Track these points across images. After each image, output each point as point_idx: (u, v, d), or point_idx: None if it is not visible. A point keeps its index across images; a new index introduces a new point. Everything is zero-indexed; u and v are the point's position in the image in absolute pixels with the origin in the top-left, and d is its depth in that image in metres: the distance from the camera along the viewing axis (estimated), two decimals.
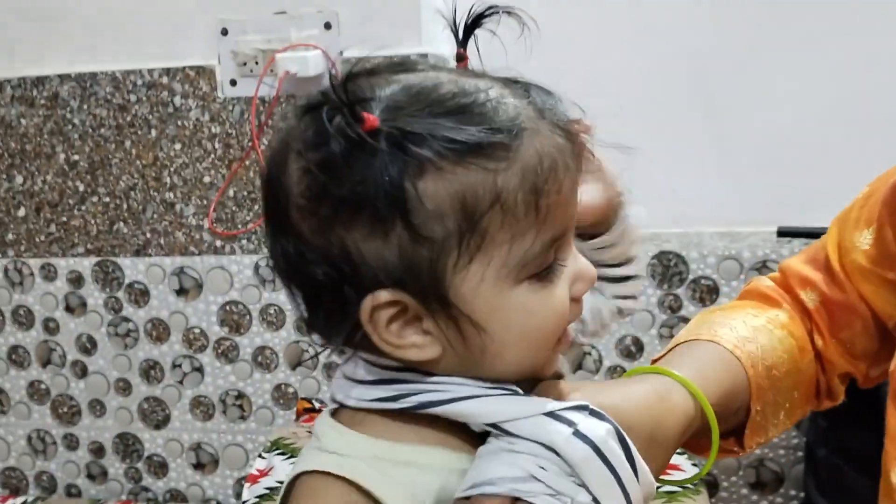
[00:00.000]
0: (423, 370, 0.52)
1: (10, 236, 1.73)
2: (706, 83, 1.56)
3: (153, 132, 1.62)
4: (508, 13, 0.56)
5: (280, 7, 1.54)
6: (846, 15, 1.46)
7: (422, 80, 0.51)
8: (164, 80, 1.60)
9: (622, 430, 0.53)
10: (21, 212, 1.72)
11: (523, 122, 0.50)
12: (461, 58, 0.57)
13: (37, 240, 1.72)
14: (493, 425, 0.51)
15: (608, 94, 1.55)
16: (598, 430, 0.51)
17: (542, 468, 0.50)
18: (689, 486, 1.22)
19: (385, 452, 0.52)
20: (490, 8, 0.56)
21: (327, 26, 1.52)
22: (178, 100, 1.60)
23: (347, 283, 0.50)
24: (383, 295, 0.50)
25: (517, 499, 0.49)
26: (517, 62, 0.56)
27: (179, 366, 1.72)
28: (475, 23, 0.56)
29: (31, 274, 1.74)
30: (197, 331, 1.69)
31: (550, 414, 0.51)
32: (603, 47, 1.57)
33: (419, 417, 0.52)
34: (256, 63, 1.54)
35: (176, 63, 1.60)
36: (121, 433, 1.78)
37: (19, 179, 1.70)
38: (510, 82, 0.54)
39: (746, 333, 0.77)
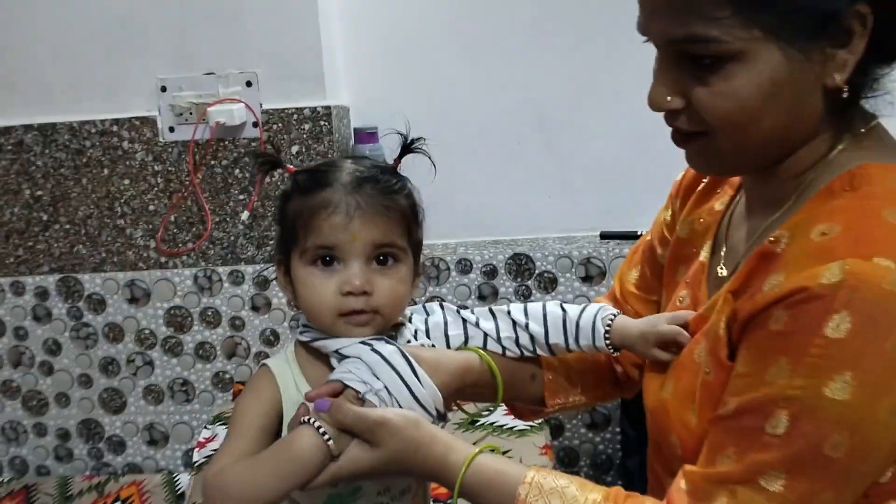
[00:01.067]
0: None
1: None
2: (547, 122, 1.98)
3: (105, 171, 1.93)
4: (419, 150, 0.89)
5: (209, 69, 1.85)
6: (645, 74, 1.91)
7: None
8: (114, 128, 1.90)
9: (406, 352, 0.83)
10: None
11: (331, 183, 0.85)
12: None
13: (7, 262, 2.00)
14: (336, 352, 0.86)
15: (475, 132, 1.98)
16: (388, 348, 0.83)
17: (357, 369, 0.83)
18: (488, 410, 1.28)
19: (290, 357, 0.89)
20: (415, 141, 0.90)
21: (248, 84, 1.85)
22: (126, 144, 1.91)
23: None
24: (279, 256, 0.89)
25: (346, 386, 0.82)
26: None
27: (133, 361, 2.03)
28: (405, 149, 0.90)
29: (3, 290, 2.01)
30: (147, 331, 2.01)
31: (363, 342, 0.84)
32: (472, 98, 1.97)
33: (310, 347, 0.88)
34: (191, 113, 1.87)
35: (124, 114, 1.90)
36: (84, 419, 2.07)
37: None
38: (362, 162, 0.89)
39: None
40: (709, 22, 0.70)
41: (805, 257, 0.70)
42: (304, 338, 0.89)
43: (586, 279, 1.92)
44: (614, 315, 0.94)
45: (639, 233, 1.89)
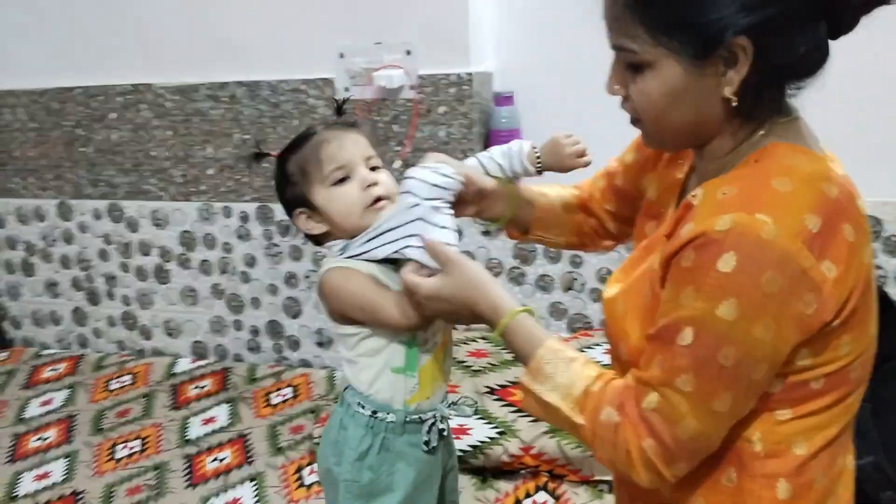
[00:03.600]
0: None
1: (203, 187, 2.52)
2: None
3: (295, 122, 2.35)
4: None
5: (378, 39, 2.20)
6: None
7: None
8: (303, 87, 2.32)
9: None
10: (210, 171, 2.50)
11: (317, 131, 1.19)
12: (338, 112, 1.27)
13: (219, 190, 2.50)
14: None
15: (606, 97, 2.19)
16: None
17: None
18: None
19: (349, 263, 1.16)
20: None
21: (408, 53, 2.18)
22: (311, 100, 2.33)
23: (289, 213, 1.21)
24: (297, 210, 1.19)
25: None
26: None
27: (309, 276, 2.47)
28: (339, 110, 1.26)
29: (216, 212, 2.52)
30: (320, 254, 2.40)
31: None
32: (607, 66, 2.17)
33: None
34: (361, 77, 2.25)
35: (310, 76, 2.29)
36: (270, 320, 2.56)
37: (209, 150, 2.48)
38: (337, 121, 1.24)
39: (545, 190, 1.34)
40: (629, 37, 0.93)
41: (708, 210, 0.90)
42: (355, 251, 1.14)
43: None
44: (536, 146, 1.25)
45: None
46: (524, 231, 1.31)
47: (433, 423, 1.20)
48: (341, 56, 2.27)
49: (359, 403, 1.18)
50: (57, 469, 2.13)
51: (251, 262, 2.54)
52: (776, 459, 0.95)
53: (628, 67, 0.96)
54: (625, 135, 1.14)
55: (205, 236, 2.57)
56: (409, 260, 1.09)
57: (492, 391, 2.07)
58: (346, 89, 2.28)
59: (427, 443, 1.20)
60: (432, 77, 2.19)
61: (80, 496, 2.01)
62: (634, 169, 1.22)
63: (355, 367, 1.18)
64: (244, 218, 2.50)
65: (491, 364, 2.15)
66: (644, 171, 1.20)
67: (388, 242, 1.11)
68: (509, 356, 2.14)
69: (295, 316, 2.54)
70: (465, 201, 1.20)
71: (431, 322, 1.13)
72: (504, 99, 2.20)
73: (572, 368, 0.99)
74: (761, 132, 0.96)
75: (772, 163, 0.93)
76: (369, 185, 1.14)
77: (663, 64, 0.92)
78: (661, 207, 1.13)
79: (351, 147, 1.15)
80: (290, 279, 2.51)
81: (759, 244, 0.85)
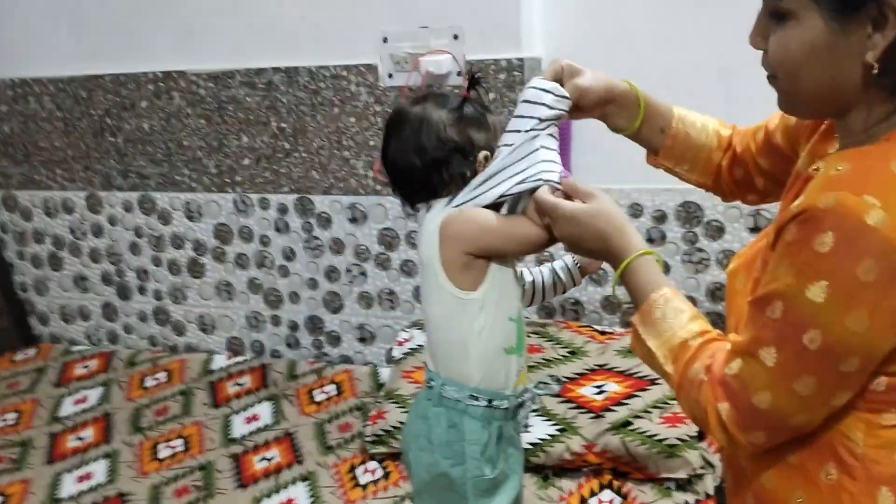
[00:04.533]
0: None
1: (238, 178, 2.45)
2: (727, 75, 2.05)
3: (336, 109, 2.27)
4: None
5: (423, 23, 2.11)
6: None
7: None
8: (344, 73, 2.23)
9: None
10: (245, 161, 2.43)
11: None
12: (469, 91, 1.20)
13: (256, 181, 2.43)
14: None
15: (654, 82, 2.11)
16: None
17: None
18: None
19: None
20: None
21: (455, 37, 2.10)
22: (353, 87, 2.24)
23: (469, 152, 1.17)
24: (484, 153, 1.16)
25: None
26: None
27: (350, 271, 2.40)
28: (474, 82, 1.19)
29: (252, 204, 2.45)
30: (363, 247, 2.37)
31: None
32: (655, 51, 2.09)
33: None
34: (406, 62, 2.16)
35: (352, 61, 2.21)
36: (310, 315, 2.50)
37: (245, 139, 2.40)
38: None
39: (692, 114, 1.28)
40: None
41: (819, 185, 0.86)
42: (468, 196, 1.14)
43: (754, 230, 2.04)
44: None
45: None
46: (656, 153, 1.27)
47: (529, 403, 1.24)
48: (385, 41, 2.19)
49: (471, 396, 1.17)
50: (99, 470, 2.07)
51: (290, 255, 2.47)
52: (879, 465, 0.90)
53: (772, 17, 0.91)
54: None
55: (241, 229, 2.50)
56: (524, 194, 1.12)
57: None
58: (390, 75, 2.21)
59: (526, 425, 1.25)
60: (481, 63, 2.12)
61: (127, 498, 1.94)
62: (795, 132, 1.15)
63: (466, 356, 1.16)
64: (282, 210, 2.43)
65: (545, 360, 2.09)
66: (802, 137, 1.13)
67: (511, 177, 1.12)
68: (563, 352, 2.08)
69: (336, 311, 2.47)
70: (586, 108, 1.17)
71: (554, 243, 1.14)
72: None
73: (678, 319, 0.99)
74: None
75: None
76: None
77: (806, 15, 0.87)
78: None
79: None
80: (331, 273, 2.44)
81: (861, 229, 0.80)
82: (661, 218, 2.11)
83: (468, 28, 2.10)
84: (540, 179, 1.10)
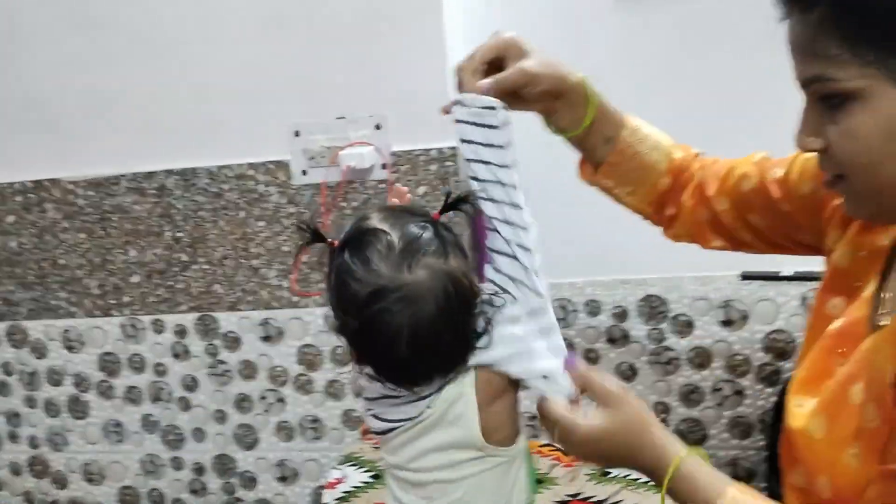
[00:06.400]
0: None
1: (126, 298, 2.11)
2: None
3: (241, 213, 1.99)
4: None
5: (340, 113, 1.88)
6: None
7: None
8: (250, 171, 1.96)
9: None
10: (135, 278, 2.10)
11: None
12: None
13: (147, 300, 2.10)
14: None
15: None
16: None
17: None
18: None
19: None
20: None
21: (377, 127, 1.87)
22: (261, 187, 1.97)
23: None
24: None
25: None
26: None
27: (265, 398, 2.08)
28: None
29: (144, 328, 2.11)
30: (279, 369, 2.06)
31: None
32: None
33: None
34: (322, 157, 1.91)
35: (259, 158, 1.95)
36: (218, 454, 2.14)
37: (133, 252, 2.07)
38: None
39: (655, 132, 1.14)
40: (827, 61, 0.71)
41: None
42: None
43: (726, 323, 1.84)
44: None
45: (781, 273, 1.81)
46: (595, 170, 1.12)
47: None
48: (297, 134, 1.93)
49: None
50: None
51: (191, 384, 2.12)
52: None
53: (826, 106, 0.73)
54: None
55: (131, 357, 2.14)
56: None
57: None
58: (304, 172, 1.95)
59: None
60: (408, 154, 1.88)
61: None
62: (811, 204, 0.97)
63: None
64: (180, 332, 2.09)
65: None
66: (822, 214, 0.94)
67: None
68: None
69: (250, 447, 2.12)
70: (528, 98, 1.01)
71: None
72: None
73: None
74: None
75: None
76: None
77: (878, 92, 0.70)
78: (856, 281, 0.88)
79: None
80: (242, 402, 2.10)
81: None
82: (621, 315, 1.89)
83: (392, 117, 1.88)
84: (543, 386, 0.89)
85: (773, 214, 1.06)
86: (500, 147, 0.91)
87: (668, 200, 1.16)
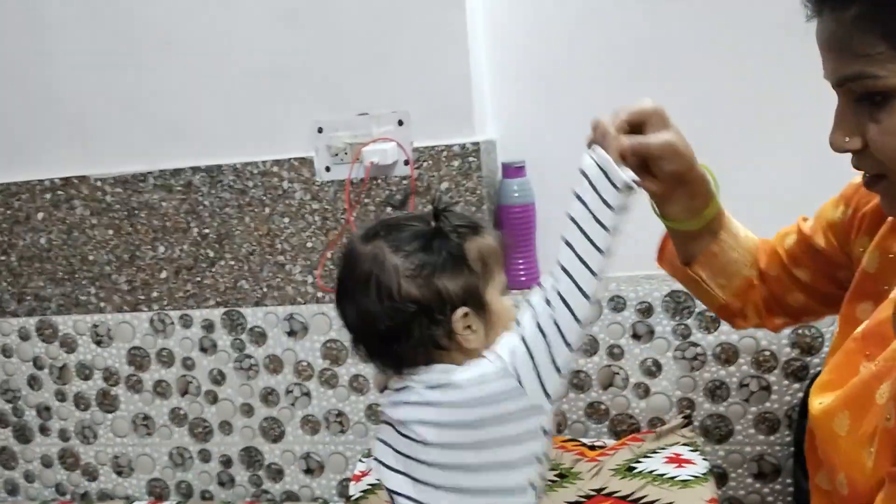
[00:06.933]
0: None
1: (154, 294, 2.14)
2: (706, 152, 1.90)
3: (266, 209, 2.01)
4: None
5: (362, 109, 1.89)
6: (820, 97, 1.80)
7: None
8: (275, 168, 1.98)
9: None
10: (163, 274, 2.13)
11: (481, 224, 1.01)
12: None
13: (176, 296, 2.12)
14: None
15: None
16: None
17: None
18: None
19: None
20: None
21: (400, 123, 1.88)
22: (285, 184, 1.99)
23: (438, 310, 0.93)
24: (461, 310, 0.92)
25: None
26: None
27: (291, 391, 2.10)
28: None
29: (172, 323, 2.13)
30: (305, 363, 2.08)
31: None
32: None
33: None
34: (346, 153, 1.92)
35: (283, 155, 1.96)
36: (245, 447, 2.16)
37: (161, 249, 2.11)
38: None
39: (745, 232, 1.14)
40: (866, 59, 0.69)
41: None
42: None
43: None
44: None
45: None
46: (686, 261, 1.08)
47: None
48: (320, 131, 1.95)
49: None
50: None
51: (219, 378, 2.14)
52: None
53: (865, 105, 0.72)
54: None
55: (159, 352, 2.16)
56: None
57: None
58: (328, 169, 1.96)
59: None
60: (431, 149, 1.88)
61: None
62: (841, 228, 0.96)
63: None
64: (208, 327, 2.11)
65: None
66: (853, 232, 0.94)
67: None
68: (551, 475, 1.79)
69: (276, 440, 2.14)
70: (656, 174, 0.97)
71: None
72: (515, 170, 1.91)
73: None
74: None
75: None
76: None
77: None
78: (884, 285, 0.87)
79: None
80: (268, 396, 2.12)
81: None
82: (646, 311, 1.88)
83: (414, 112, 1.88)
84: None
85: (812, 257, 1.05)
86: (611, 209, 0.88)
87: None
